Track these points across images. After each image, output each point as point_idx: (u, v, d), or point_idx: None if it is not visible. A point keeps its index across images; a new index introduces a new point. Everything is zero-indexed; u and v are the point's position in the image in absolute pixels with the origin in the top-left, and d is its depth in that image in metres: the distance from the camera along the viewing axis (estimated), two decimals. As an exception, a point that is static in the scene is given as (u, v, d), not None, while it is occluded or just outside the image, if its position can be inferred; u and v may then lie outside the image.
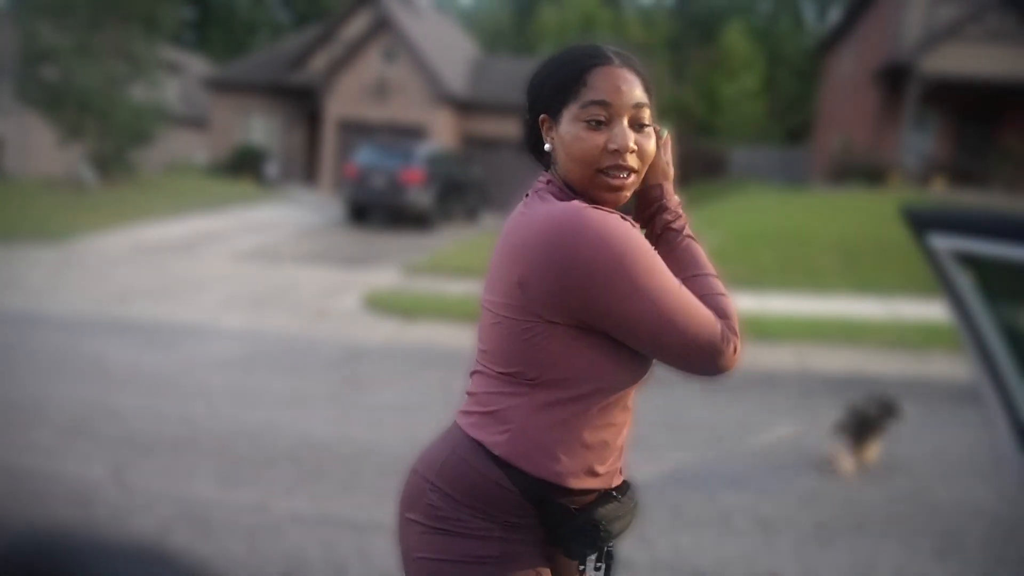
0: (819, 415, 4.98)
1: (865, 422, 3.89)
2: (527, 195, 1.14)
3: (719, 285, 1.12)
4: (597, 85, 1.07)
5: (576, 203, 1.05)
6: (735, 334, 1.07)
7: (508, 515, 1.10)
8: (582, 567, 1.18)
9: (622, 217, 1.06)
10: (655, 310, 1.03)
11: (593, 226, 1.02)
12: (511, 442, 1.09)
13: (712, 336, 1.05)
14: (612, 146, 1.07)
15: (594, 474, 1.11)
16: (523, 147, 1.18)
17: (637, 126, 1.09)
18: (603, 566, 1.16)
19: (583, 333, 1.05)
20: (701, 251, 1.15)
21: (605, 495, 1.13)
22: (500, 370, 1.11)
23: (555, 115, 1.10)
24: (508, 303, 1.08)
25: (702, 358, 1.05)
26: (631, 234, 1.04)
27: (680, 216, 1.17)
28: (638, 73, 1.11)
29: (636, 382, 1.12)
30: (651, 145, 1.11)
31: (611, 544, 1.15)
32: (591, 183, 1.08)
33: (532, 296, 1.05)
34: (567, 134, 1.08)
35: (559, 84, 1.09)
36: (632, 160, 1.08)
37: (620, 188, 1.08)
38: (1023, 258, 1.25)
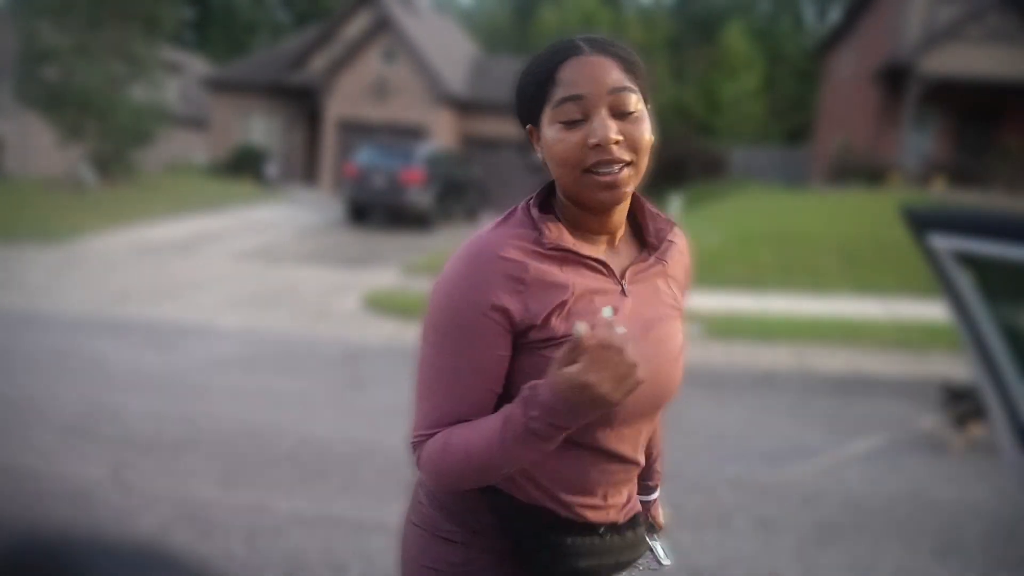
0: (819, 415, 4.98)
1: (966, 400, 4.13)
2: None
3: (468, 452, 0.96)
4: (567, 80, 0.97)
5: (475, 240, 1.01)
6: (420, 468, 1.01)
7: (472, 520, 1.07)
8: None
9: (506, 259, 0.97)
10: (418, 369, 1.05)
11: (448, 267, 1.01)
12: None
13: (411, 431, 1.04)
14: (592, 141, 0.96)
15: (557, 503, 1.04)
16: (534, 162, 1.08)
17: (620, 114, 0.97)
18: None
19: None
20: (498, 433, 0.94)
21: (578, 527, 1.04)
22: None
23: (537, 122, 1.02)
24: None
25: (413, 424, 1.04)
26: (461, 294, 0.97)
27: (541, 419, 0.91)
28: (616, 56, 0.99)
29: None
30: (642, 131, 0.98)
31: None
32: (582, 186, 0.99)
33: None
34: (547, 139, 1.00)
35: (533, 89, 1.01)
36: (620, 151, 0.97)
37: (613, 185, 0.97)
38: (1023, 258, 1.26)
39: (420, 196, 13.70)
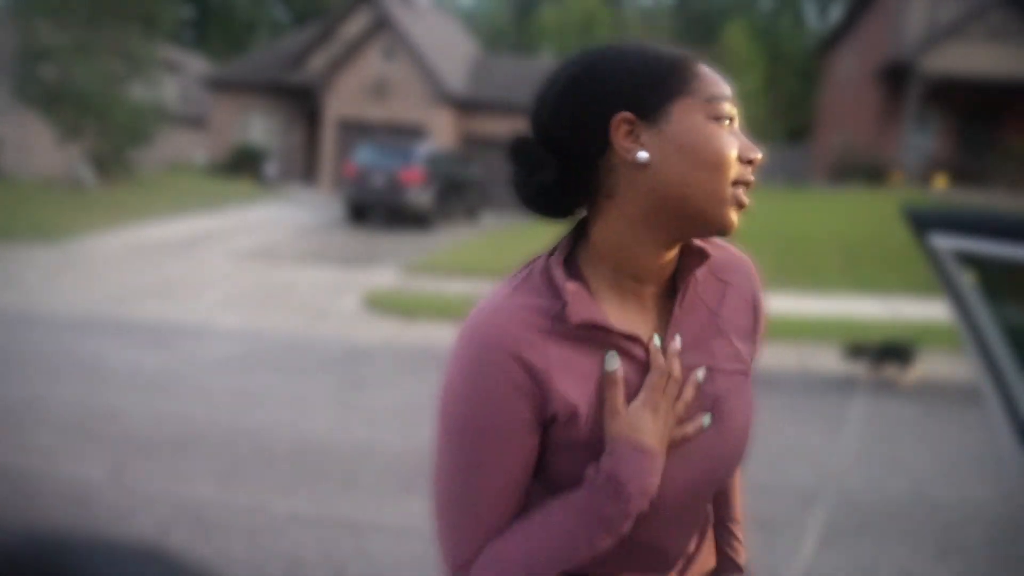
0: (820, 415, 4.98)
1: (867, 352, 5.43)
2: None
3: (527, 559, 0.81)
4: (710, 77, 0.79)
5: (481, 323, 0.81)
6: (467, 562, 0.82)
7: None
8: None
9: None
10: (435, 480, 0.84)
11: (454, 365, 0.82)
12: None
13: (443, 560, 0.84)
14: (754, 155, 0.80)
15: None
16: (533, 191, 0.81)
17: None
18: None
19: None
20: (571, 530, 0.80)
21: None
22: None
23: (651, 112, 0.77)
24: None
25: (439, 553, 0.84)
26: (474, 402, 0.79)
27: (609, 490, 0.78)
28: None
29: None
30: None
31: None
32: (720, 201, 0.78)
33: None
34: (690, 131, 0.76)
35: (662, 73, 0.77)
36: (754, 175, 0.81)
37: (743, 211, 0.81)
38: (1023, 258, 1.25)
39: (420, 195, 13.69)
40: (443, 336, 6.75)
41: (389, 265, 10.14)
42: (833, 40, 23.95)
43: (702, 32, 37.02)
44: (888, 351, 5.47)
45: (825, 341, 6.56)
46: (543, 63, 23.20)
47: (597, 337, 0.79)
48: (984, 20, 15.80)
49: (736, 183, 0.79)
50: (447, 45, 22.10)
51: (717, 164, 0.77)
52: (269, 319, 7.08)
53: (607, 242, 0.81)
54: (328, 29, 21.73)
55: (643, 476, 0.77)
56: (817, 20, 40.86)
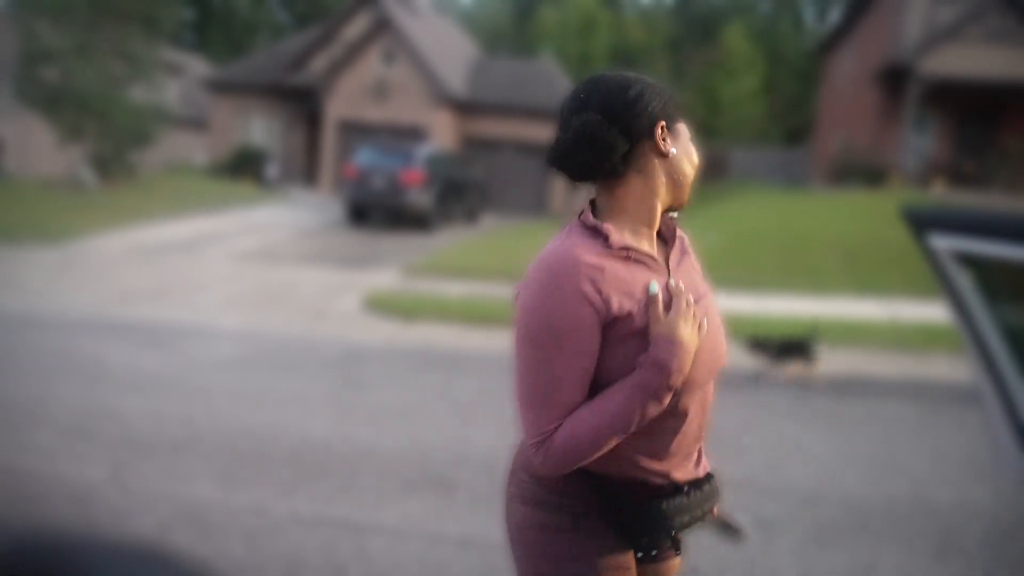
0: (819, 415, 4.98)
1: (769, 347, 5.39)
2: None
3: (596, 431, 1.14)
4: (677, 106, 1.25)
5: (551, 253, 1.17)
6: (546, 463, 1.16)
7: (580, 498, 1.24)
8: (640, 554, 1.28)
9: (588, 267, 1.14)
10: (521, 377, 1.19)
11: (534, 281, 1.16)
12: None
13: (528, 436, 1.17)
14: (695, 156, 1.26)
15: (646, 469, 1.22)
16: (579, 161, 1.18)
17: None
18: (671, 551, 1.30)
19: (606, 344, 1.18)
20: (625, 400, 1.14)
21: (671, 490, 1.23)
22: None
23: (672, 124, 1.22)
24: None
25: (524, 442, 1.19)
26: (555, 302, 1.13)
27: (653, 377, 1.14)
28: None
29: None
30: None
31: (674, 535, 1.26)
32: (689, 185, 1.24)
33: None
34: (687, 141, 1.24)
35: (668, 100, 1.22)
36: None
37: None
38: (1023, 258, 1.25)
39: (420, 197, 13.70)
40: (443, 337, 6.76)
41: (389, 266, 10.15)
42: (832, 42, 23.97)
43: (701, 33, 37.04)
44: (789, 347, 5.41)
45: (825, 342, 6.56)
46: (543, 64, 23.20)
47: (631, 256, 1.18)
48: (982, 22, 15.81)
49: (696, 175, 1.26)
50: (447, 47, 22.12)
51: (694, 162, 1.25)
52: (269, 320, 7.08)
53: (633, 200, 1.20)
54: (328, 31, 21.75)
55: (680, 359, 1.13)
56: (816, 22, 40.90)
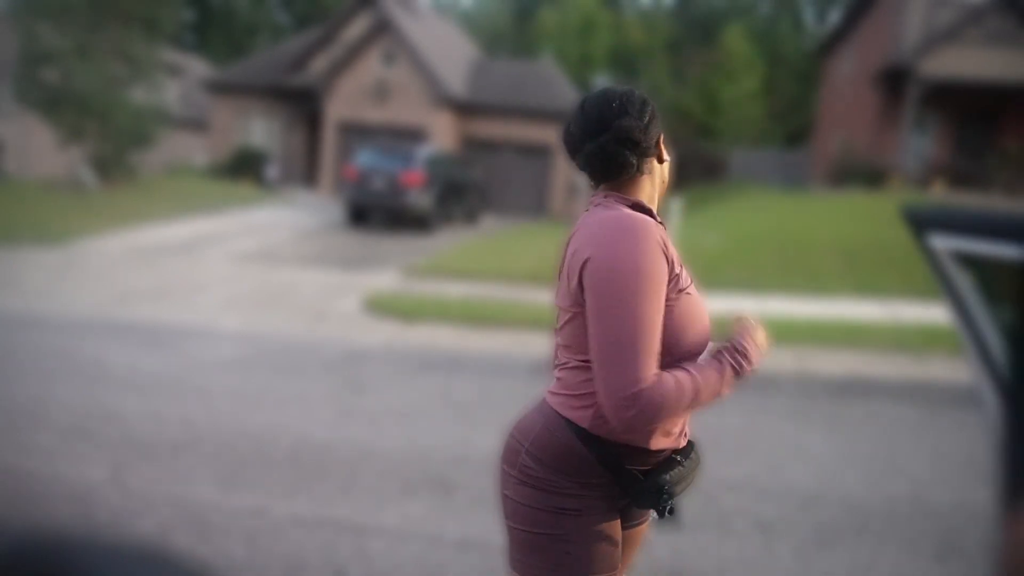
0: (819, 417, 4.98)
1: None
2: (587, 208, 1.40)
3: (689, 394, 1.27)
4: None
5: (627, 217, 1.31)
6: (638, 417, 1.23)
7: (587, 477, 1.34)
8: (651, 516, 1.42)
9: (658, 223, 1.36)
10: (618, 327, 1.25)
11: (621, 238, 1.28)
12: (593, 417, 1.32)
13: (622, 387, 1.22)
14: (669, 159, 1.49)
15: (664, 435, 1.35)
16: (601, 163, 1.38)
17: None
18: (670, 517, 1.39)
19: None
20: (717, 375, 1.31)
21: (669, 460, 1.37)
22: (581, 359, 1.33)
23: (661, 135, 1.43)
24: (571, 297, 1.32)
25: (606, 395, 1.24)
26: (646, 256, 1.26)
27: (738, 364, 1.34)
28: None
29: (675, 362, 1.31)
30: None
31: (673, 501, 1.37)
32: (663, 189, 1.46)
33: (583, 278, 1.28)
34: (666, 161, 1.46)
35: (657, 115, 1.41)
36: None
37: None
38: (1023, 258, 1.25)
39: (420, 198, 13.70)
40: (443, 338, 6.76)
41: (389, 267, 10.15)
42: (832, 43, 23.98)
43: (701, 34, 37.05)
44: None
45: (824, 344, 6.56)
46: (543, 66, 23.22)
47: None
48: (982, 24, 15.82)
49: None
50: (447, 48, 22.13)
51: (670, 164, 1.48)
52: (269, 321, 7.08)
53: (644, 196, 1.42)
54: (329, 32, 21.77)
55: (754, 357, 1.36)
56: (816, 23, 40.91)
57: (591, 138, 1.36)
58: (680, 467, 1.37)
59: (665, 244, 1.29)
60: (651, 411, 1.22)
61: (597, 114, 1.37)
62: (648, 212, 1.37)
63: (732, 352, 1.32)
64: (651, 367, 1.23)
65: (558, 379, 1.40)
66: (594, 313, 1.26)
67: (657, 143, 1.41)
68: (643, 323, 1.23)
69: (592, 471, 1.34)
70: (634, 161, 1.37)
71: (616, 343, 1.23)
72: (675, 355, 1.30)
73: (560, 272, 1.37)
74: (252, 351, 6.07)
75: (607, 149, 1.35)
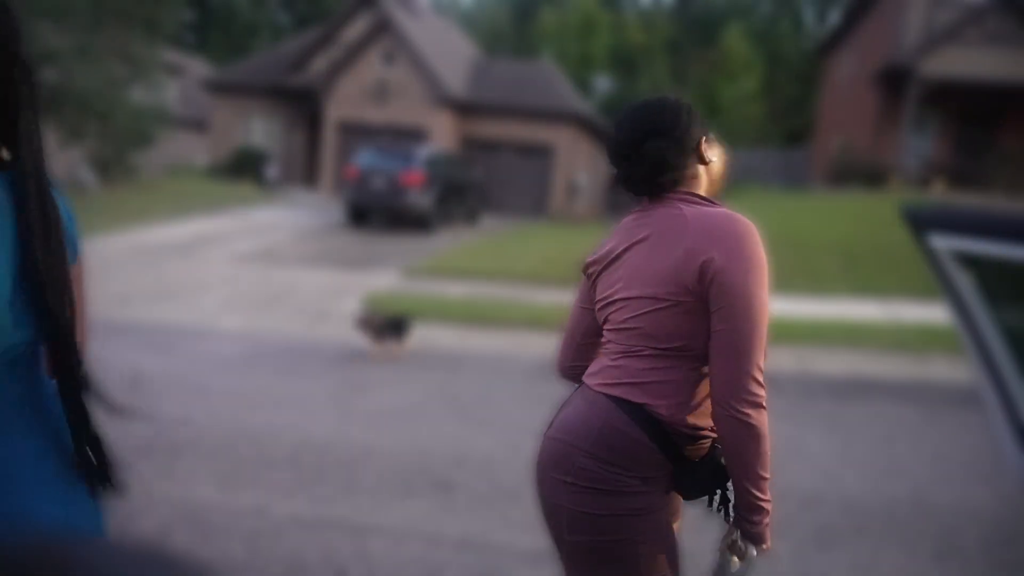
0: (819, 417, 4.98)
1: (383, 324, 5.64)
2: (668, 202, 1.43)
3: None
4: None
5: (736, 214, 1.38)
6: (758, 401, 1.27)
7: (647, 470, 1.33)
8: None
9: None
10: (758, 319, 1.29)
11: (748, 231, 1.35)
12: (669, 405, 1.33)
13: (753, 372, 1.26)
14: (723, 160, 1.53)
15: (705, 427, 1.37)
16: (641, 175, 1.43)
17: None
18: (722, 506, 1.43)
19: (707, 311, 1.32)
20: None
21: (713, 449, 1.39)
22: (662, 347, 1.34)
23: (706, 139, 1.46)
24: (675, 288, 1.32)
25: (741, 384, 1.26)
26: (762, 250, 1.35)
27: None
28: None
29: None
30: None
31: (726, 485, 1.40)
32: (718, 188, 1.49)
33: (708, 276, 1.29)
34: (715, 148, 1.49)
35: (701, 129, 1.45)
36: None
37: None
38: (1023, 258, 1.25)
39: (420, 198, 13.70)
40: (443, 338, 6.76)
41: (389, 268, 10.15)
42: (832, 44, 23.98)
43: (701, 35, 37.05)
44: (390, 325, 5.80)
45: (825, 344, 6.56)
46: (543, 66, 23.22)
47: None
48: (982, 24, 15.82)
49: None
50: (447, 48, 22.13)
51: (723, 173, 1.50)
52: (270, 321, 7.08)
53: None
54: (329, 32, 21.76)
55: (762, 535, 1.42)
56: (816, 23, 40.90)
57: (625, 159, 1.42)
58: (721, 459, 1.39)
59: None
60: (763, 398, 1.29)
61: (629, 136, 1.42)
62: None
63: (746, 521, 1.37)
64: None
65: (619, 367, 1.37)
66: (734, 306, 1.29)
67: (696, 148, 1.44)
68: (765, 321, 1.31)
69: (653, 461, 1.34)
70: (675, 177, 1.42)
71: (757, 337, 1.27)
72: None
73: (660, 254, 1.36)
74: (252, 351, 6.07)
75: (641, 173, 1.42)
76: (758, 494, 1.30)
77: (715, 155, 1.49)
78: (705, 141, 1.46)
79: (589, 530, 1.32)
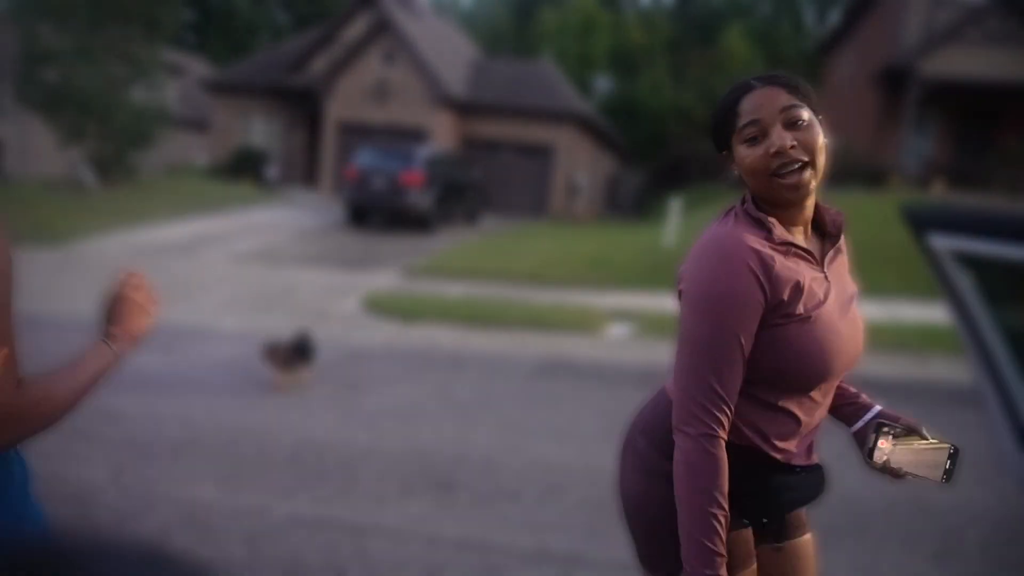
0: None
1: (289, 352, 5.19)
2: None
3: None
4: (745, 110, 1.26)
5: (722, 237, 1.24)
6: (689, 432, 1.21)
7: None
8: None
9: (759, 250, 1.22)
10: (682, 350, 1.24)
11: (706, 263, 1.24)
12: None
13: (693, 404, 1.21)
14: (772, 149, 1.22)
15: (773, 444, 1.30)
16: (731, 178, 1.35)
17: (792, 126, 1.24)
18: (773, 527, 1.35)
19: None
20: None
21: (786, 467, 1.31)
22: None
23: (729, 147, 1.31)
24: None
25: (678, 412, 1.23)
26: (727, 284, 1.20)
27: None
28: (783, 84, 1.27)
29: (780, 394, 1.28)
30: (814, 135, 1.24)
31: (779, 511, 1.34)
32: (772, 189, 1.25)
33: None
34: (739, 157, 1.28)
35: (720, 122, 1.31)
36: (797, 153, 1.23)
37: (797, 184, 1.24)
38: (1023, 258, 1.25)
39: (420, 198, 13.70)
40: (443, 338, 6.76)
41: (389, 267, 10.15)
42: (832, 44, 23.98)
43: (701, 35, 37.05)
44: (294, 351, 5.22)
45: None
46: (542, 66, 23.21)
47: (791, 250, 1.26)
48: (982, 24, 15.82)
49: (773, 174, 1.24)
50: (447, 48, 22.13)
51: (752, 172, 1.26)
52: (269, 321, 7.08)
53: (762, 206, 1.30)
54: (329, 32, 21.76)
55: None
56: (816, 24, 40.89)
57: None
58: (795, 476, 1.33)
59: (765, 268, 1.21)
60: (708, 432, 1.26)
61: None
62: (769, 230, 1.25)
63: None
64: (725, 409, 1.24)
65: None
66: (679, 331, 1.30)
67: (725, 136, 1.31)
68: (716, 357, 1.22)
69: None
70: (734, 172, 1.31)
71: (687, 377, 1.24)
72: (779, 386, 1.26)
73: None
74: (252, 351, 6.06)
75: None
76: (685, 548, 1.20)
77: (747, 150, 1.33)
78: (739, 131, 1.32)
79: (638, 510, 1.36)
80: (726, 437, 1.22)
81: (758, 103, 1.25)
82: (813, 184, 1.25)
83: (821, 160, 1.24)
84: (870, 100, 18.49)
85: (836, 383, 1.36)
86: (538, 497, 3.47)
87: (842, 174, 17.31)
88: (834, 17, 34.26)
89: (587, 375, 5.81)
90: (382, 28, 19.80)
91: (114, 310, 1.38)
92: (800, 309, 1.22)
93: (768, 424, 1.28)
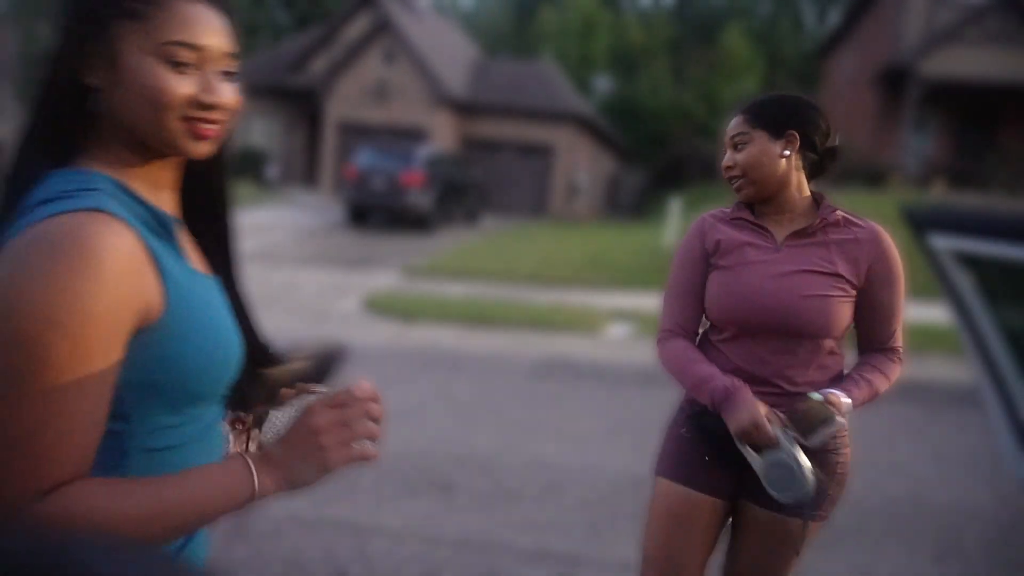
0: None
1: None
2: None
3: None
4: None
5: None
6: (658, 353, 1.80)
7: (688, 412, 1.75)
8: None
9: None
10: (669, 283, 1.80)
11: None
12: None
13: (661, 328, 1.80)
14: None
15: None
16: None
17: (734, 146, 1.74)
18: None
19: None
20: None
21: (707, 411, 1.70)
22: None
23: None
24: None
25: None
26: (687, 237, 1.78)
27: None
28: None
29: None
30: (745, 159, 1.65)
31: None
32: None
33: None
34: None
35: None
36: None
37: (735, 191, 1.77)
38: (1023, 258, 1.25)
39: (420, 198, 13.71)
40: (443, 338, 6.76)
41: (389, 267, 10.15)
42: (832, 44, 23.99)
43: (701, 35, 37.07)
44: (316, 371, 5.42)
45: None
46: (543, 66, 23.22)
47: (740, 224, 1.67)
48: (982, 24, 15.83)
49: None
50: (447, 48, 22.14)
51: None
52: (269, 321, 7.06)
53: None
54: (329, 32, 21.77)
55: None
56: (816, 24, 40.90)
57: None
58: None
59: (710, 228, 1.66)
60: (662, 356, 1.77)
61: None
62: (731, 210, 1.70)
63: (726, 384, 1.65)
64: (672, 322, 1.77)
65: None
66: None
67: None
68: (670, 285, 1.76)
69: (690, 410, 1.75)
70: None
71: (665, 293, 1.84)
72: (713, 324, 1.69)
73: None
74: (252, 351, 6.07)
75: None
76: (700, 397, 1.65)
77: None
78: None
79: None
80: (683, 336, 1.67)
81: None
82: (743, 192, 1.69)
83: (749, 175, 1.70)
84: (870, 100, 18.50)
85: (772, 342, 1.63)
86: (538, 497, 3.47)
87: (842, 174, 17.32)
88: (834, 17, 34.30)
89: (587, 375, 5.82)
90: (382, 28, 19.80)
91: (298, 432, 0.89)
92: (724, 262, 1.61)
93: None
